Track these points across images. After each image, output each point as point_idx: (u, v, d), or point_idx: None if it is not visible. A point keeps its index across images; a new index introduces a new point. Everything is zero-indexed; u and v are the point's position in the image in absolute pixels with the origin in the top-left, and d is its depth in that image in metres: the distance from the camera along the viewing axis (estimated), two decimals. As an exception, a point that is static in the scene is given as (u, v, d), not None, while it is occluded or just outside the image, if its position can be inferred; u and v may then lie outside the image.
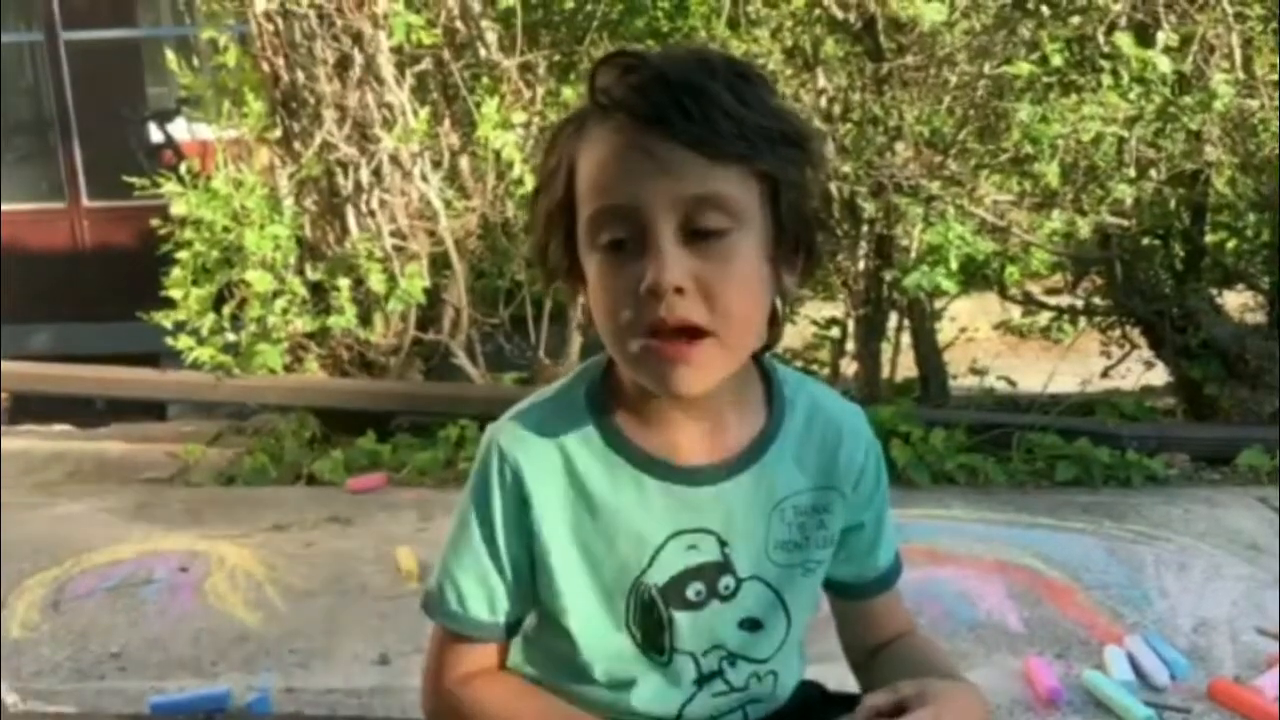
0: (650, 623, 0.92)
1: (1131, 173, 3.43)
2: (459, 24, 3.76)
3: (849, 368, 3.99)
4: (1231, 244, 3.81)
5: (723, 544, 0.91)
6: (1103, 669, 2.04)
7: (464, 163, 3.86)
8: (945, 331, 4.15)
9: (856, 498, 0.96)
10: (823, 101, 3.68)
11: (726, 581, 0.92)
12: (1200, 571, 2.48)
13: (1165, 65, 3.20)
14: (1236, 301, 3.83)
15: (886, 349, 3.99)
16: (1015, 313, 4.45)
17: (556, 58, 3.94)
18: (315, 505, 3.16)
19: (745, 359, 0.88)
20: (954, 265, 3.52)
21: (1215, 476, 3.27)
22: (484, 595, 0.92)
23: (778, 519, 0.93)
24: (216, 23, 3.75)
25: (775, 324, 0.89)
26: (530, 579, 0.93)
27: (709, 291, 0.81)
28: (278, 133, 3.76)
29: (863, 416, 0.98)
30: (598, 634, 0.92)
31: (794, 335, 4.18)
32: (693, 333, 0.81)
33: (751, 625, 0.94)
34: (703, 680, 0.94)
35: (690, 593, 0.91)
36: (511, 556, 0.92)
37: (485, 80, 3.78)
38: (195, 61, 4.12)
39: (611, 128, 0.82)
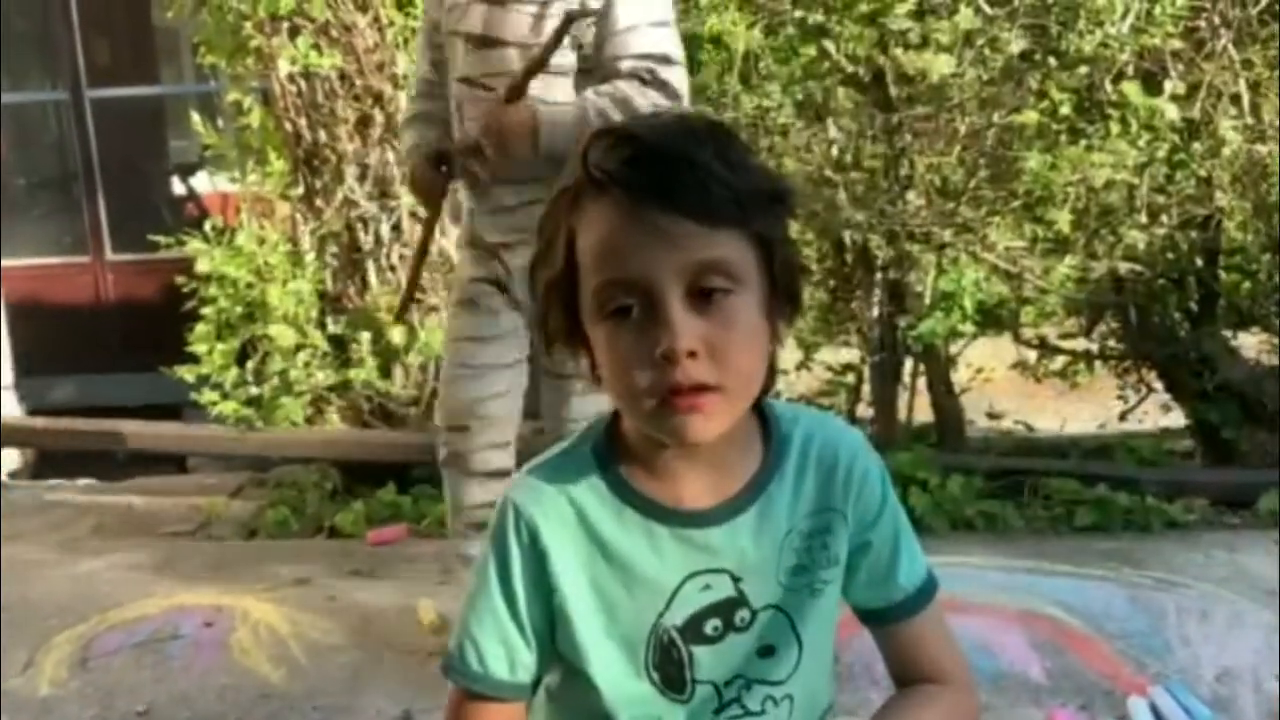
0: (670, 663, 0.94)
1: (1143, 218, 3.46)
2: (476, 82, 3.84)
3: (865, 413, 4.01)
4: (1245, 287, 3.82)
5: (736, 580, 0.94)
6: (1126, 721, 2.03)
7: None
8: (960, 373, 4.17)
9: (858, 516, 0.98)
10: (834, 151, 3.73)
11: (742, 614, 0.95)
12: (1222, 619, 2.47)
13: (1173, 113, 3.24)
14: (1252, 344, 3.84)
15: (902, 394, 4.01)
16: (1031, 355, 4.46)
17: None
18: (337, 558, 3.19)
19: (748, 407, 0.93)
20: (969, 310, 3.54)
21: (1235, 521, 3.26)
22: (504, 654, 0.95)
23: (786, 548, 0.96)
24: (241, 84, 3.85)
25: (771, 370, 0.94)
26: (549, 635, 0.95)
27: (716, 352, 0.85)
28: (300, 190, 3.84)
29: (860, 438, 1.01)
30: (619, 681, 0.94)
31: (809, 381, 4.20)
32: (704, 389, 0.86)
33: (766, 651, 0.96)
34: (721, 708, 0.96)
35: (708, 629, 0.94)
36: (531, 614, 0.94)
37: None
38: (219, 120, 4.22)
39: (610, 202, 0.86)
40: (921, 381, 4.06)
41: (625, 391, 0.87)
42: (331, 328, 3.82)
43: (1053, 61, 3.35)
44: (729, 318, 0.86)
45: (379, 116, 3.69)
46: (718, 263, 0.85)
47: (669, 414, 0.86)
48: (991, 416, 4.10)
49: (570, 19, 1.97)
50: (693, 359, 0.84)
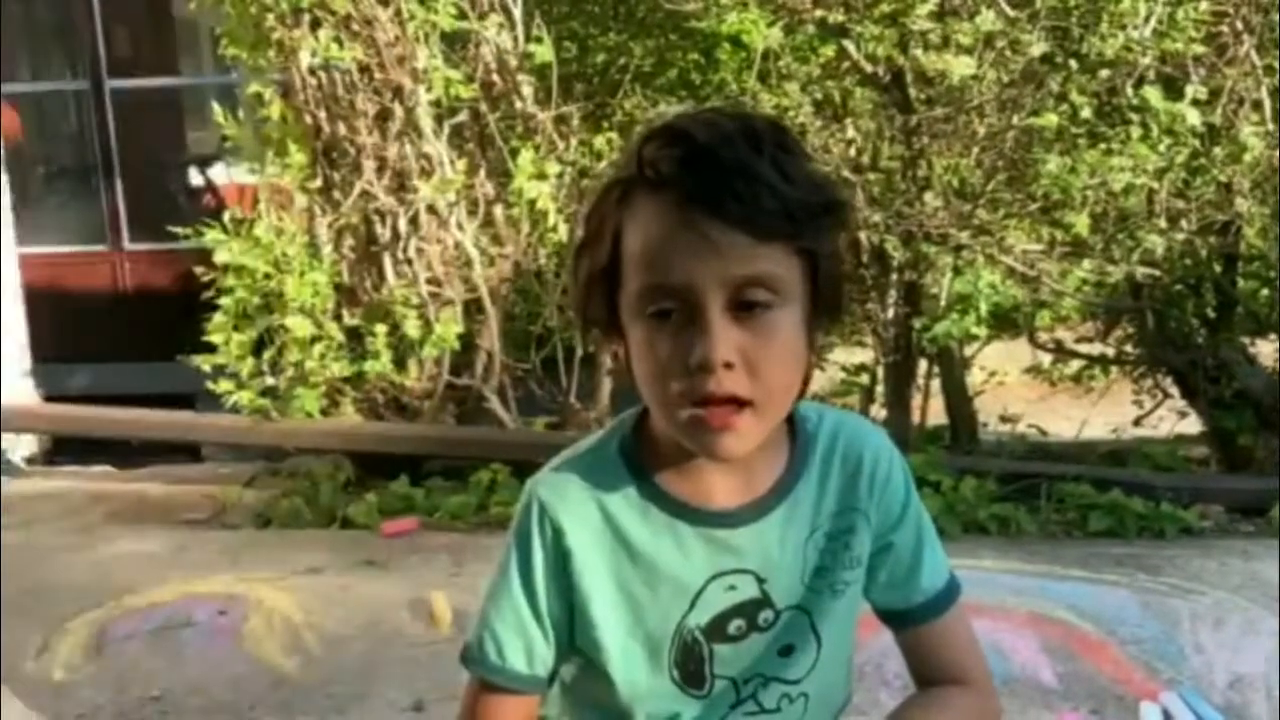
0: (690, 660, 0.94)
1: (1162, 223, 3.44)
2: (495, 77, 3.85)
3: (878, 414, 4.01)
4: (1264, 293, 3.80)
5: (761, 581, 0.94)
6: (1138, 726, 2.03)
7: (499, 211, 3.93)
8: (975, 377, 4.16)
9: (881, 517, 0.98)
10: (852, 151, 3.73)
11: (766, 615, 0.95)
12: (1235, 626, 2.47)
13: (1194, 117, 3.22)
14: (1270, 352, 3.81)
15: (916, 396, 4.00)
16: (1046, 358, 4.45)
17: (590, 109, 4.02)
18: (349, 549, 3.20)
19: (781, 420, 0.92)
20: (984, 313, 3.54)
21: (1250, 528, 3.24)
22: (523, 648, 0.95)
23: (810, 548, 0.95)
24: (261, 76, 3.86)
25: (805, 378, 0.93)
26: (568, 631, 0.95)
27: (753, 366, 0.85)
28: (318, 182, 3.85)
29: (884, 437, 1.00)
30: (640, 678, 0.95)
31: (823, 381, 4.19)
32: (737, 402, 0.85)
33: (786, 650, 0.96)
34: (738, 704, 0.96)
35: (732, 629, 0.94)
36: (551, 610, 0.94)
37: (520, 131, 3.87)
38: (238, 112, 4.24)
39: (661, 204, 0.85)
40: (935, 383, 4.05)
41: (658, 396, 0.87)
42: (347, 319, 3.84)
43: (1074, 64, 3.34)
44: (768, 331, 0.85)
45: (398, 110, 3.70)
46: (762, 277, 0.85)
47: (702, 429, 0.86)
48: (1005, 420, 4.09)
49: None
50: (728, 370, 0.84)
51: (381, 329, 3.74)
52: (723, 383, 0.84)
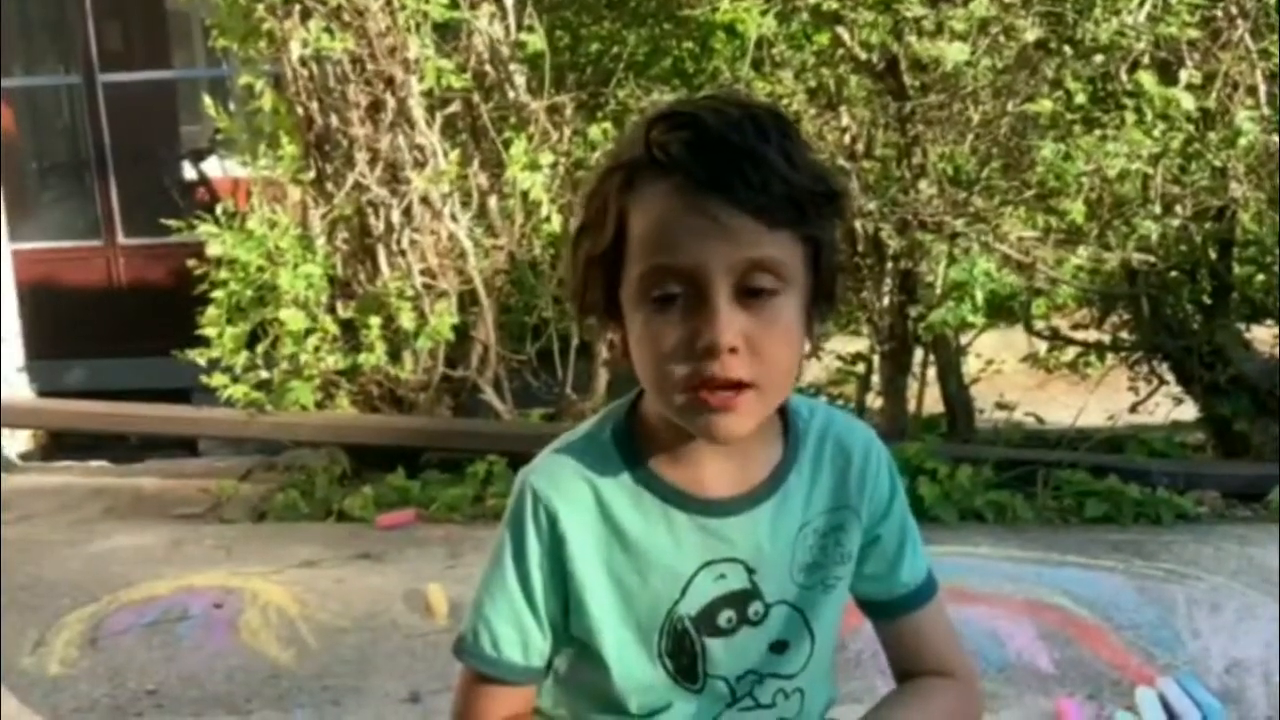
0: (682, 652, 0.94)
1: (1157, 209, 3.44)
2: (488, 68, 3.83)
3: (874, 403, 4.01)
4: (1260, 279, 3.80)
5: (750, 571, 0.94)
6: (1134, 711, 2.03)
7: (492, 203, 3.92)
8: (971, 365, 4.16)
9: (870, 512, 0.99)
10: (846, 139, 3.72)
11: (756, 608, 0.95)
12: (1232, 611, 2.47)
13: (1189, 102, 3.22)
14: (1265, 336, 3.81)
15: (912, 384, 4.00)
16: (1042, 347, 4.45)
17: (583, 98, 4.01)
18: (346, 541, 3.20)
19: (779, 404, 0.92)
20: (979, 301, 3.54)
21: (1246, 514, 3.24)
22: (518, 638, 0.94)
23: (800, 543, 0.96)
24: (253, 68, 3.85)
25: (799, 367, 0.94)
26: (563, 620, 0.95)
27: (756, 350, 0.85)
28: (311, 174, 3.84)
29: (872, 434, 1.01)
30: (632, 666, 0.94)
31: (819, 370, 4.19)
32: (738, 385, 0.85)
33: (779, 647, 0.96)
34: (734, 702, 0.96)
35: (722, 620, 0.94)
36: (546, 599, 0.94)
37: (513, 121, 3.85)
38: (230, 105, 4.23)
39: (668, 187, 0.85)
40: (932, 372, 4.05)
41: (659, 380, 0.87)
42: (341, 312, 3.83)
43: (1068, 50, 3.33)
44: (772, 316, 0.86)
45: (390, 101, 3.68)
46: (769, 262, 0.85)
47: (701, 410, 0.86)
48: (1002, 407, 4.09)
49: None
50: (733, 355, 0.84)
51: (376, 321, 3.73)
52: (726, 367, 0.84)
